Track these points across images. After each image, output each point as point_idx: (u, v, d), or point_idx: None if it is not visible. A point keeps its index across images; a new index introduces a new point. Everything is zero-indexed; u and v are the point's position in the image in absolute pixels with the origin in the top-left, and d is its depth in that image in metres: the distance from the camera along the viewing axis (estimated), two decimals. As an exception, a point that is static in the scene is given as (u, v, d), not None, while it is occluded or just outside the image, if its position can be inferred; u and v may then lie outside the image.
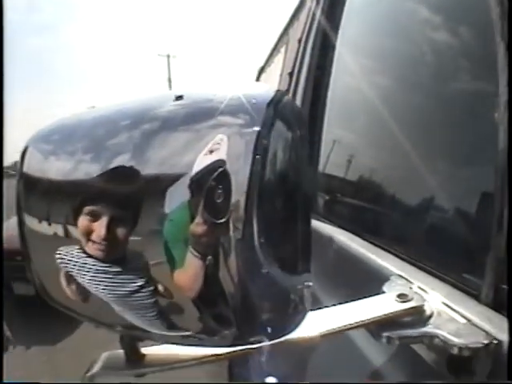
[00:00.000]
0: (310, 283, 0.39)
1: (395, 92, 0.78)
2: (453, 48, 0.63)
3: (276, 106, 0.36)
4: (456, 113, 0.59)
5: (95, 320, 0.43)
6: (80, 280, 0.41)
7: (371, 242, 0.63)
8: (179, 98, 0.37)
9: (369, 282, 0.49)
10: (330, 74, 1.01)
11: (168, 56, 20.87)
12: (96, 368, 0.47)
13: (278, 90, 0.38)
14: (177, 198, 0.38)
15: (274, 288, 0.37)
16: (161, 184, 0.38)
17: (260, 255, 0.35)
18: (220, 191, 0.35)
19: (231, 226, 0.35)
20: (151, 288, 0.39)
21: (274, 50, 2.49)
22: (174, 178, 0.38)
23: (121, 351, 0.46)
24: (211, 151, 0.37)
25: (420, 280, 0.49)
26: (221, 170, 0.35)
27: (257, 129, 0.35)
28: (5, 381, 0.88)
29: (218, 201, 0.35)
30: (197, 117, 0.38)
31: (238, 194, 0.35)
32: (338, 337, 0.44)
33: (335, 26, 1.03)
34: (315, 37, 1.13)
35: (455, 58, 0.62)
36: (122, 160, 0.40)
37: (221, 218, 0.35)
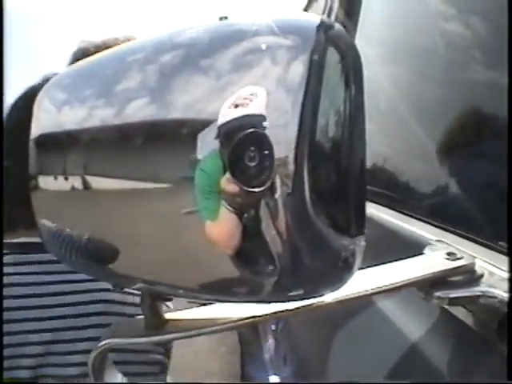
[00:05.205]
0: (363, 242, 0.35)
1: (409, 82, 0.77)
2: (465, 39, 0.62)
3: (327, 31, 0.32)
4: (468, 103, 0.58)
5: (114, 273, 0.39)
6: None
7: (402, 212, 0.60)
8: (223, 18, 0.33)
9: (406, 251, 0.46)
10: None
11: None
12: (111, 336, 0.43)
13: (326, 17, 0.34)
14: (207, 145, 0.34)
15: (324, 246, 0.33)
16: (189, 128, 0.35)
17: (311, 211, 0.31)
18: (252, 154, 0.31)
19: (277, 182, 0.30)
20: (184, 238, 0.35)
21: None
22: (204, 123, 0.34)
23: (140, 318, 0.42)
24: (236, 105, 0.33)
25: (460, 245, 0.46)
26: (253, 130, 0.31)
27: (308, 52, 0.31)
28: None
29: (252, 164, 0.31)
30: (231, 39, 0.33)
31: (286, 150, 0.30)
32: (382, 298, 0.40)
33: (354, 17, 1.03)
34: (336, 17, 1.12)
35: (468, 48, 0.61)
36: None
37: (255, 187, 0.31)
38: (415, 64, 0.75)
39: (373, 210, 0.64)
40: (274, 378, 0.97)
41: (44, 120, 0.45)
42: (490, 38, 0.57)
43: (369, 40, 0.99)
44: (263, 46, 0.32)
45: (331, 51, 0.32)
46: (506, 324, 0.38)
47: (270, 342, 1.04)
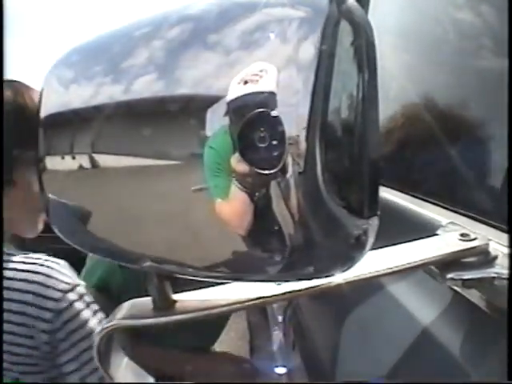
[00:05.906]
0: (376, 221, 0.34)
1: (418, 69, 0.76)
2: (475, 26, 0.61)
3: (340, 3, 0.31)
4: (478, 90, 0.57)
5: (122, 250, 0.38)
6: None
7: (412, 196, 0.59)
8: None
9: (418, 234, 0.45)
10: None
11: None
12: (117, 318, 0.42)
13: None
14: (216, 121, 0.33)
15: (336, 224, 0.32)
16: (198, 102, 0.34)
17: (323, 191, 0.30)
18: (262, 134, 0.30)
19: (289, 162, 0.30)
20: (194, 216, 0.34)
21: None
22: (213, 99, 0.33)
23: (148, 298, 0.42)
24: (246, 81, 0.32)
25: (473, 228, 0.45)
26: (262, 110, 0.30)
27: (320, 25, 0.30)
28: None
29: (262, 146, 0.30)
30: (240, 11, 0.32)
31: (297, 129, 0.29)
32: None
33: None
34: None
35: (477, 35, 0.60)
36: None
37: (266, 169, 0.30)
38: (426, 52, 0.74)
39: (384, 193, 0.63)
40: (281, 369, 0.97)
41: (52, 100, 0.44)
42: (501, 26, 0.56)
43: (379, 27, 0.98)
44: (274, 18, 0.31)
45: (344, 25, 0.31)
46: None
47: (279, 329, 1.04)
